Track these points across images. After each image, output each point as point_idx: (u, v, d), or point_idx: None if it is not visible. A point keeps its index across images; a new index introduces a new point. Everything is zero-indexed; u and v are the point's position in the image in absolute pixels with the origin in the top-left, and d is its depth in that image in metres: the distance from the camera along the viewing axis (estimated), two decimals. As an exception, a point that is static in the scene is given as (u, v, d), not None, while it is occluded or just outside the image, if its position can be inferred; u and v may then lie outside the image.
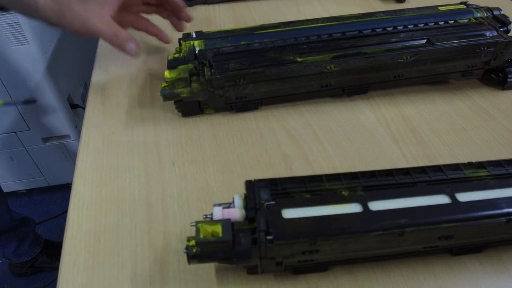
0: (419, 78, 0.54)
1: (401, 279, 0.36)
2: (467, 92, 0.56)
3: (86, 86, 1.45)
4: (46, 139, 1.32)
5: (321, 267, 0.36)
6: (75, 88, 1.35)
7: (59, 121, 1.25)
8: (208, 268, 0.37)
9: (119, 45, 0.51)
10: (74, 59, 1.38)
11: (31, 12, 0.50)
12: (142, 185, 0.45)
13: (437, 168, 0.36)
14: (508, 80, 0.55)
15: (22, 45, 1.06)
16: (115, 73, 0.62)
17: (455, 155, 0.47)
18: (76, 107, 1.32)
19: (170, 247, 0.39)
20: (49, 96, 1.16)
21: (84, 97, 1.41)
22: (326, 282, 0.36)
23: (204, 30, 0.56)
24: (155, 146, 0.49)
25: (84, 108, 0.60)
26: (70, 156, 1.36)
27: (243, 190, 0.35)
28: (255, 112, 0.53)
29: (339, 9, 0.75)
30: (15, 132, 1.26)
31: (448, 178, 0.36)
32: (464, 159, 0.46)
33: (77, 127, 1.31)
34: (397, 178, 0.35)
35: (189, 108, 0.52)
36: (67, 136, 1.31)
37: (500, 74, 0.56)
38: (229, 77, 0.48)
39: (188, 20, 0.61)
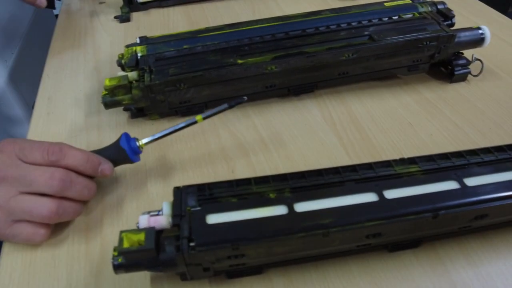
0: (365, 74, 0.54)
1: (337, 279, 0.36)
2: (415, 86, 0.56)
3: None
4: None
5: (255, 270, 0.36)
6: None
7: (24, 130, 1.23)
8: (143, 276, 0.37)
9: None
10: (37, 67, 1.36)
11: None
12: (82, 194, 0.44)
13: (368, 166, 0.36)
14: (455, 73, 0.56)
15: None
16: (63, 82, 0.61)
17: (399, 151, 0.47)
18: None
19: (106, 256, 0.38)
20: (13, 106, 1.14)
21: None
22: (261, 285, 0.36)
23: (158, 34, 0.55)
24: (98, 154, 0.48)
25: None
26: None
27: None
28: (202, 116, 0.53)
29: (294, 7, 0.75)
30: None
31: (377, 175, 0.36)
32: (408, 155, 0.46)
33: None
34: (327, 177, 0.35)
35: (136, 111, 0.51)
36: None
37: (449, 67, 0.57)
38: (168, 82, 0.47)
39: None
